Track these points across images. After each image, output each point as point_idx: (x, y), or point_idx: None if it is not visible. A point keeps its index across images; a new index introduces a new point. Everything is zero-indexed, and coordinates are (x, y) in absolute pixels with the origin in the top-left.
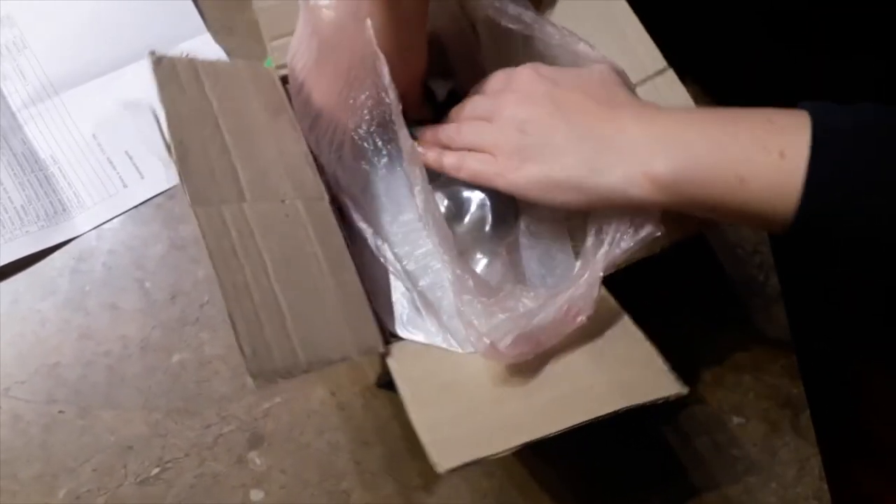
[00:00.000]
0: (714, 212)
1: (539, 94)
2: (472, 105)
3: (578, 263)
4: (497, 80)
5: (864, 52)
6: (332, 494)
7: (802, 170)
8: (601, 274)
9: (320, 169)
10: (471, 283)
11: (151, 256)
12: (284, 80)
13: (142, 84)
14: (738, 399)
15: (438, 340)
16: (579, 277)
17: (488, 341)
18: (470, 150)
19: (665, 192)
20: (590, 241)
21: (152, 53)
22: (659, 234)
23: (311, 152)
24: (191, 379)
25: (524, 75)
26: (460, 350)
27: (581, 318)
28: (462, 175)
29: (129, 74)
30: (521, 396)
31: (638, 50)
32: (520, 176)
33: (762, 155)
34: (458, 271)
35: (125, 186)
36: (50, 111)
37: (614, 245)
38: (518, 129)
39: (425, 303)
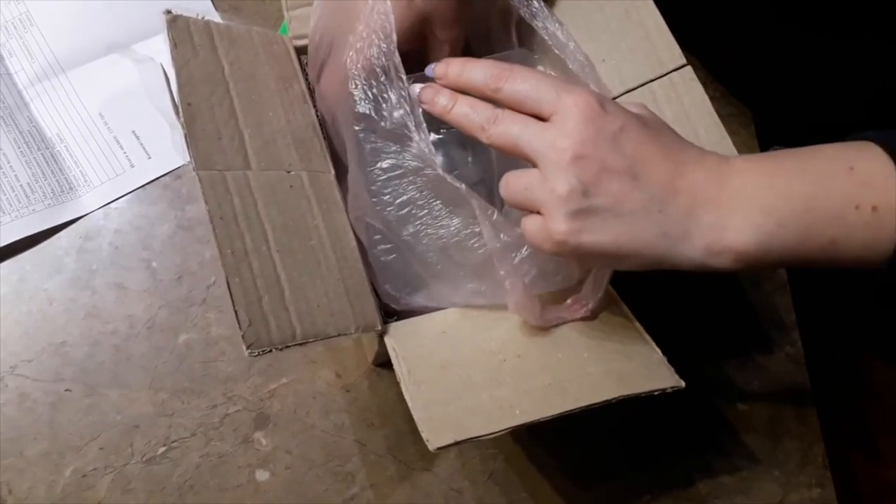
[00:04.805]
0: (792, 267)
1: (606, 140)
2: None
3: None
4: (543, 89)
5: (872, 32)
6: (336, 475)
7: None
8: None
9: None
10: (497, 216)
11: (158, 236)
12: (299, 50)
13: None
14: (743, 386)
15: (420, 300)
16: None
17: (518, 274)
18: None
19: (749, 261)
20: None
21: (168, 12)
22: None
23: (319, 120)
24: (197, 359)
25: (583, 105)
26: (443, 306)
27: (585, 311)
28: (504, 193)
29: (137, 52)
30: (517, 380)
31: (658, 44)
32: (582, 243)
33: (854, 214)
34: (483, 203)
35: (132, 166)
36: (56, 89)
37: None
38: (580, 189)
39: (412, 255)
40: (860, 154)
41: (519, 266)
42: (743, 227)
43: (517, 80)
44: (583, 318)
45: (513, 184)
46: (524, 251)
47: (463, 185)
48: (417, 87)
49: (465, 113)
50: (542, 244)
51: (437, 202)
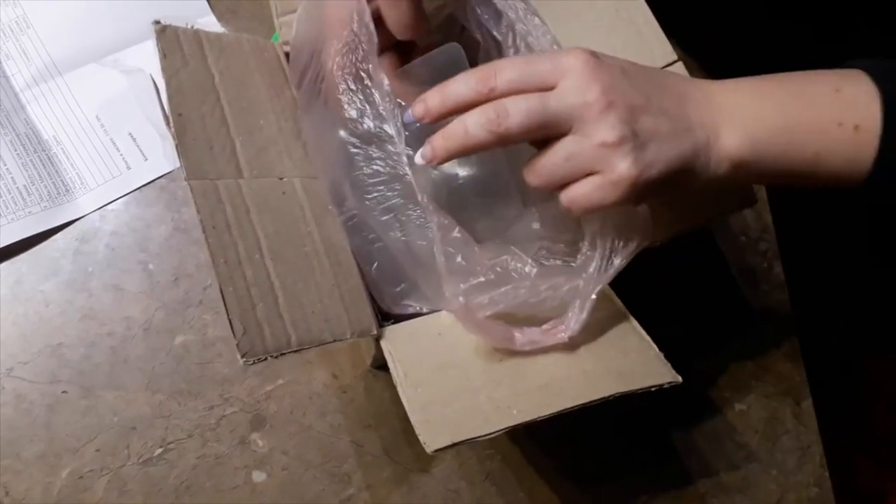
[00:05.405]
0: (780, 181)
1: (619, 82)
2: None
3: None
4: (536, 64)
5: (862, 26)
6: (333, 476)
7: (876, 141)
8: (594, 297)
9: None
10: (456, 233)
11: (155, 238)
12: (289, 56)
13: (145, 65)
14: (740, 386)
15: (415, 302)
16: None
17: (463, 300)
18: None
19: (740, 169)
20: (583, 256)
21: (157, 22)
22: (648, 243)
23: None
24: (194, 361)
25: (583, 59)
26: (424, 310)
27: (562, 336)
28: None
29: (133, 56)
30: (513, 379)
31: (649, 40)
32: (651, 177)
33: (837, 130)
34: (445, 220)
35: (128, 168)
36: (53, 92)
37: (609, 264)
38: (628, 131)
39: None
40: (846, 79)
41: (472, 290)
42: (738, 136)
43: (506, 71)
44: (560, 343)
45: (545, 164)
46: (481, 277)
47: (424, 197)
48: (417, 157)
49: (465, 128)
50: (607, 199)
51: (417, 211)
